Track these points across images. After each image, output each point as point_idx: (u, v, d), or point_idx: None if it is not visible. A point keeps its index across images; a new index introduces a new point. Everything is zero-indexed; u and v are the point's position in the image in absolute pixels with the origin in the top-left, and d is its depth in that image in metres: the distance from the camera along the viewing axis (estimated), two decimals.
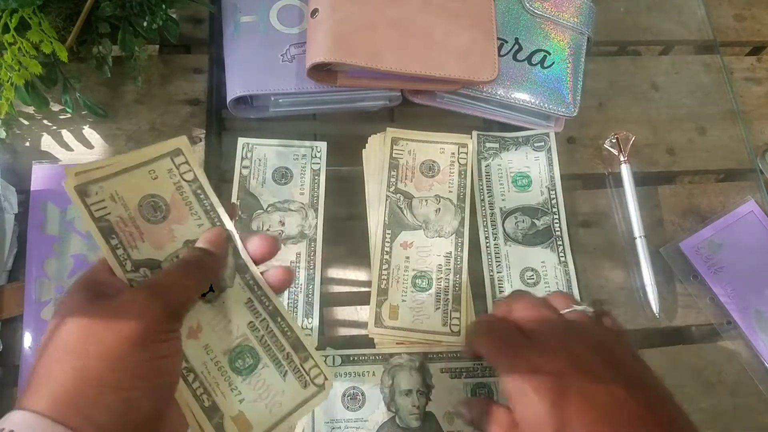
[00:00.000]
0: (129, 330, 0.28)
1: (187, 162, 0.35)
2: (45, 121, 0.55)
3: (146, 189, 0.34)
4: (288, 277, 0.36)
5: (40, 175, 0.51)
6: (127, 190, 0.34)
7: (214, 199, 0.36)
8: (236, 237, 0.36)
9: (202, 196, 0.35)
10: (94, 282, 0.32)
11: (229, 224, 0.36)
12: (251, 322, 0.35)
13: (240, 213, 0.53)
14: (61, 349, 0.28)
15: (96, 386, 0.27)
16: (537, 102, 0.56)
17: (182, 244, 0.35)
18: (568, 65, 0.57)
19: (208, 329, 0.34)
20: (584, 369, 0.31)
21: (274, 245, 0.36)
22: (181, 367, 0.32)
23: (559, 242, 0.55)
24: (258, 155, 0.55)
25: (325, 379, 0.35)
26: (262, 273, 0.36)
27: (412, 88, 0.56)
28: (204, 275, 0.33)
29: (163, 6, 0.52)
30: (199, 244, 0.34)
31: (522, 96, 0.56)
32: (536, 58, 0.57)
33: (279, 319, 0.35)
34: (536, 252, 0.55)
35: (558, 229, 0.55)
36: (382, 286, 0.51)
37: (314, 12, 0.52)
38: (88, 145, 0.55)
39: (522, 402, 0.31)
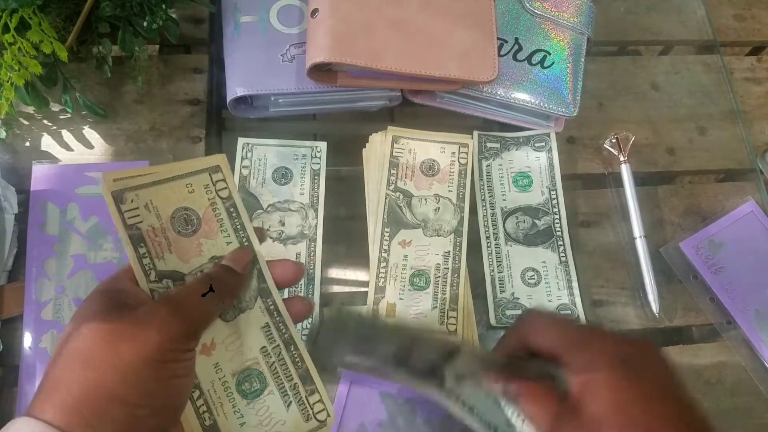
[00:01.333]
0: (146, 345, 0.28)
1: (224, 179, 0.36)
2: (45, 121, 0.55)
3: (181, 201, 0.34)
4: (297, 276, 0.37)
5: (40, 175, 0.51)
6: (162, 201, 0.34)
7: (246, 219, 0.36)
8: (262, 260, 0.36)
9: (234, 215, 0.36)
10: (115, 290, 0.31)
11: (257, 246, 0.36)
12: (264, 347, 0.34)
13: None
14: (75, 356, 0.28)
15: (105, 398, 0.27)
16: (537, 102, 0.56)
17: (208, 260, 0.35)
18: (568, 65, 0.57)
19: (221, 347, 0.34)
20: (662, 378, 0.30)
21: (299, 271, 0.36)
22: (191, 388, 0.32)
23: (560, 242, 0.55)
24: (258, 155, 0.55)
25: (328, 415, 0.35)
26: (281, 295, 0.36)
27: (412, 88, 0.56)
28: (224, 295, 0.33)
29: (163, 6, 0.52)
30: (224, 262, 0.34)
31: (522, 96, 0.56)
32: (536, 58, 0.57)
33: (292, 348, 0.35)
34: (537, 252, 0.55)
35: (559, 229, 0.55)
36: (380, 284, 0.51)
37: (314, 12, 0.52)
38: (88, 145, 0.55)
39: (599, 396, 0.29)
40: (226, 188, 0.36)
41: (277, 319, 0.35)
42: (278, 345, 0.35)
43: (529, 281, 0.53)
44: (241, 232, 0.36)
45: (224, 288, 0.33)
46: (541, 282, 0.53)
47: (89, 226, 0.50)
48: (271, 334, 0.35)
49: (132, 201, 0.33)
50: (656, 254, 0.56)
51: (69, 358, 0.28)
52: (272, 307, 0.35)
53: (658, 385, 0.29)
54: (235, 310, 0.35)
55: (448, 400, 0.34)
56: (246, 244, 0.36)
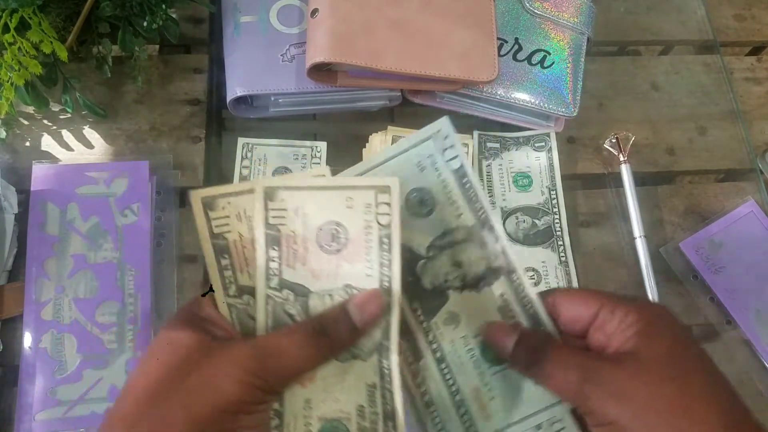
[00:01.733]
0: (222, 395, 0.26)
1: (389, 204, 0.30)
2: (45, 121, 0.55)
3: (335, 215, 0.30)
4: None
5: (40, 175, 0.51)
6: (316, 208, 0.30)
7: (396, 256, 0.30)
8: (396, 314, 0.30)
9: (385, 247, 0.30)
10: (199, 318, 0.29)
11: (397, 291, 0.30)
12: (363, 406, 0.30)
13: None
14: (145, 390, 0.26)
15: None
16: (537, 102, 0.56)
17: (341, 286, 0.30)
18: (568, 65, 0.57)
19: (319, 384, 0.30)
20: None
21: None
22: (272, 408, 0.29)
23: (560, 242, 0.55)
24: (258, 155, 0.55)
25: None
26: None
27: (412, 88, 0.56)
28: (332, 350, 0.29)
29: (163, 6, 0.52)
30: (349, 306, 0.29)
31: (522, 96, 0.56)
32: (536, 58, 0.57)
33: (390, 423, 0.30)
34: (537, 252, 0.54)
35: (559, 229, 0.55)
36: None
37: (314, 12, 0.52)
38: (88, 145, 0.55)
39: (652, 342, 0.27)
40: (388, 214, 0.30)
41: (387, 385, 0.30)
42: (377, 412, 0.30)
43: (529, 281, 0.53)
44: (385, 269, 0.30)
45: (334, 342, 0.29)
46: (541, 282, 0.53)
47: (89, 226, 0.50)
48: (374, 398, 0.30)
49: (223, 208, 0.30)
50: (656, 254, 0.56)
51: (139, 389, 0.26)
52: (386, 370, 0.30)
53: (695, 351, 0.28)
54: (349, 353, 0.30)
55: (418, 336, 0.31)
56: (387, 286, 0.30)
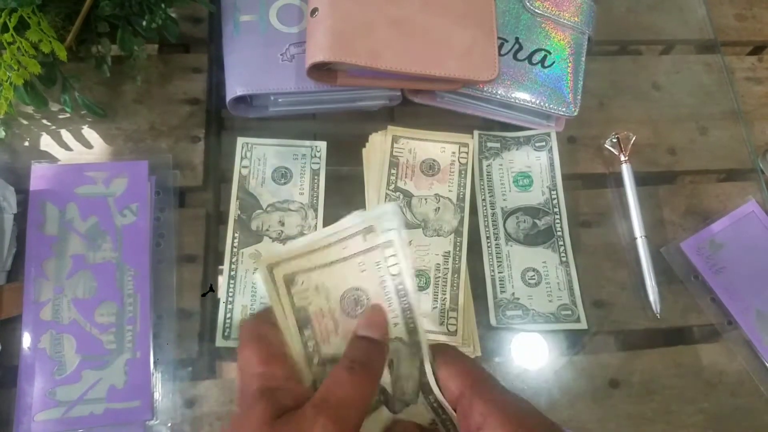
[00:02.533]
0: None
1: (396, 255, 0.32)
2: (44, 121, 0.55)
3: (353, 282, 0.32)
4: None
5: (39, 175, 0.51)
6: (334, 282, 0.32)
7: (414, 300, 0.32)
8: (425, 350, 0.31)
9: (402, 293, 0.32)
10: (270, 390, 0.28)
11: (423, 326, 0.32)
12: None
13: (240, 213, 0.52)
14: None
15: None
16: (537, 101, 0.56)
17: None
18: (569, 65, 0.57)
19: None
20: None
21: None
22: None
23: (561, 242, 0.55)
24: (257, 155, 0.55)
25: None
26: None
27: (412, 87, 0.56)
28: (375, 376, 0.29)
29: (163, 5, 0.52)
30: (359, 332, 0.30)
31: (522, 95, 0.56)
32: (537, 58, 0.57)
33: None
34: (537, 252, 0.54)
35: (559, 229, 0.55)
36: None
37: (314, 11, 0.52)
38: (88, 144, 0.54)
39: None
40: (396, 264, 0.32)
41: (443, 416, 0.31)
42: None
43: (530, 281, 0.53)
44: (407, 312, 0.32)
45: (374, 369, 0.29)
46: (542, 282, 0.53)
47: (88, 226, 0.50)
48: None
49: (302, 283, 0.31)
50: (657, 254, 0.56)
51: None
52: (435, 404, 0.31)
53: None
54: (401, 402, 0.31)
55: None
56: (412, 327, 0.32)
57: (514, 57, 0.57)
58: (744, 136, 0.63)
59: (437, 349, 0.31)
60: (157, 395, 0.47)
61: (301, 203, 0.54)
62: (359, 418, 0.28)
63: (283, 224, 0.53)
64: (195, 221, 0.53)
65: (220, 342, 0.49)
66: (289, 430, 0.26)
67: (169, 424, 0.47)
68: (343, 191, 0.55)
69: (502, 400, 0.28)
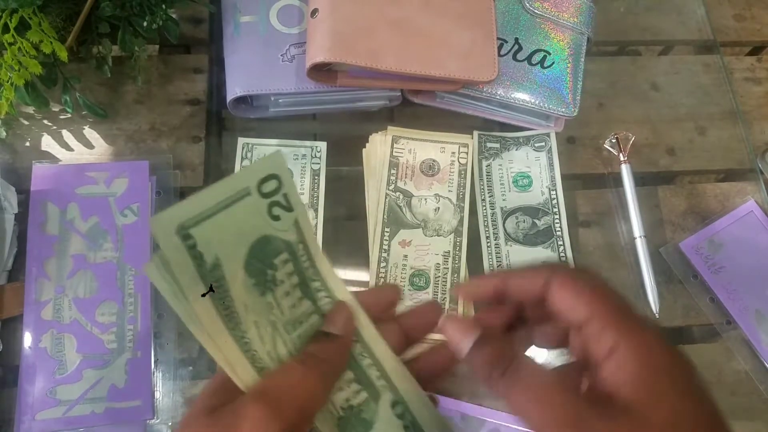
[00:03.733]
0: None
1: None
2: (45, 121, 0.55)
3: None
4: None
5: (40, 175, 0.51)
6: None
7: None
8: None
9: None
10: (209, 391, 0.27)
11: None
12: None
13: None
14: None
15: None
16: (537, 102, 0.56)
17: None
18: (568, 65, 0.57)
19: None
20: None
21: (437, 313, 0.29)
22: None
23: (560, 242, 0.55)
24: (258, 155, 0.55)
25: None
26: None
27: (412, 88, 0.56)
28: (329, 371, 0.28)
29: (163, 6, 0.52)
30: (324, 327, 0.29)
31: (522, 96, 0.56)
32: (536, 58, 0.57)
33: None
34: (537, 252, 0.54)
35: (558, 229, 0.55)
36: (380, 284, 0.51)
37: (314, 12, 0.52)
38: (88, 145, 0.55)
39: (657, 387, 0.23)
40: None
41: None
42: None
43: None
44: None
45: (325, 362, 0.27)
46: None
47: (89, 226, 0.50)
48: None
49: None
50: (656, 254, 0.56)
51: None
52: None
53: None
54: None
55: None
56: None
57: (514, 57, 0.57)
58: (743, 136, 0.63)
59: (560, 268, 0.27)
60: (157, 394, 0.47)
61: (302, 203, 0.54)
62: (301, 411, 0.26)
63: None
64: None
65: None
66: (224, 418, 0.25)
67: (170, 423, 0.47)
68: (344, 191, 0.55)
69: (636, 327, 0.25)
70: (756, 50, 0.70)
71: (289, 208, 0.27)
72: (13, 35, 0.47)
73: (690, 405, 0.23)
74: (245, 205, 0.25)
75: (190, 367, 0.49)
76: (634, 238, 0.56)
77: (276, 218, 0.27)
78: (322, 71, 0.52)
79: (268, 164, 0.26)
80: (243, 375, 0.26)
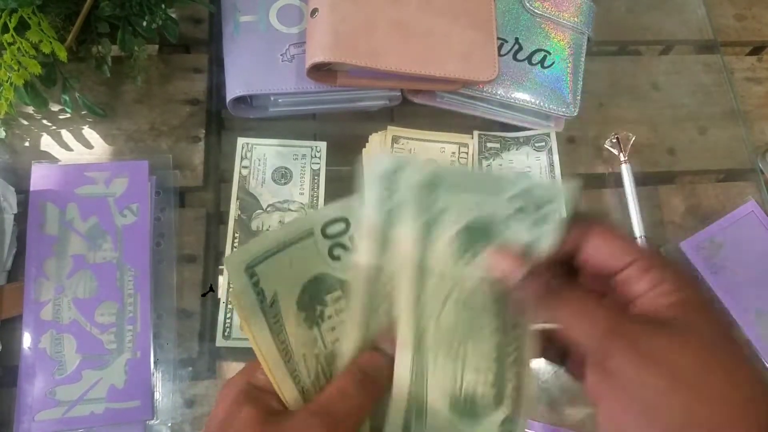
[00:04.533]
0: None
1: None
2: (44, 121, 0.55)
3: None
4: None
5: (39, 175, 0.51)
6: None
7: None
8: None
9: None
10: (256, 389, 0.28)
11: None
12: None
13: (240, 213, 0.53)
14: None
15: None
16: (537, 102, 0.56)
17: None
18: (569, 65, 0.57)
19: None
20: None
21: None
22: None
23: None
24: (257, 155, 0.55)
25: None
26: None
27: (412, 87, 0.56)
28: (380, 392, 0.28)
29: (163, 6, 0.52)
30: (378, 343, 0.29)
31: (522, 96, 0.56)
32: (536, 58, 0.57)
33: None
34: None
35: None
36: None
37: (314, 12, 0.52)
38: (88, 145, 0.55)
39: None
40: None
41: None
42: None
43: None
44: None
45: (380, 381, 0.28)
46: None
47: (89, 227, 0.50)
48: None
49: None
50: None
51: None
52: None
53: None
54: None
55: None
56: None
57: (514, 57, 0.57)
58: (743, 136, 0.63)
59: (596, 221, 0.28)
60: (157, 395, 0.47)
61: (302, 203, 0.54)
62: (354, 427, 0.27)
63: (283, 224, 0.53)
64: (195, 221, 0.53)
65: (220, 342, 0.49)
66: (283, 430, 0.26)
67: (169, 424, 0.47)
68: (343, 191, 0.55)
69: (679, 270, 0.26)
70: (756, 50, 0.70)
71: (351, 250, 0.29)
72: (12, 35, 0.47)
73: (729, 329, 0.25)
74: (305, 246, 0.28)
75: (190, 368, 0.49)
76: (635, 238, 0.56)
77: (336, 258, 0.29)
78: (322, 71, 0.52)
79: (337, 209, 0.30)
80: (289, 396, 0.28)
